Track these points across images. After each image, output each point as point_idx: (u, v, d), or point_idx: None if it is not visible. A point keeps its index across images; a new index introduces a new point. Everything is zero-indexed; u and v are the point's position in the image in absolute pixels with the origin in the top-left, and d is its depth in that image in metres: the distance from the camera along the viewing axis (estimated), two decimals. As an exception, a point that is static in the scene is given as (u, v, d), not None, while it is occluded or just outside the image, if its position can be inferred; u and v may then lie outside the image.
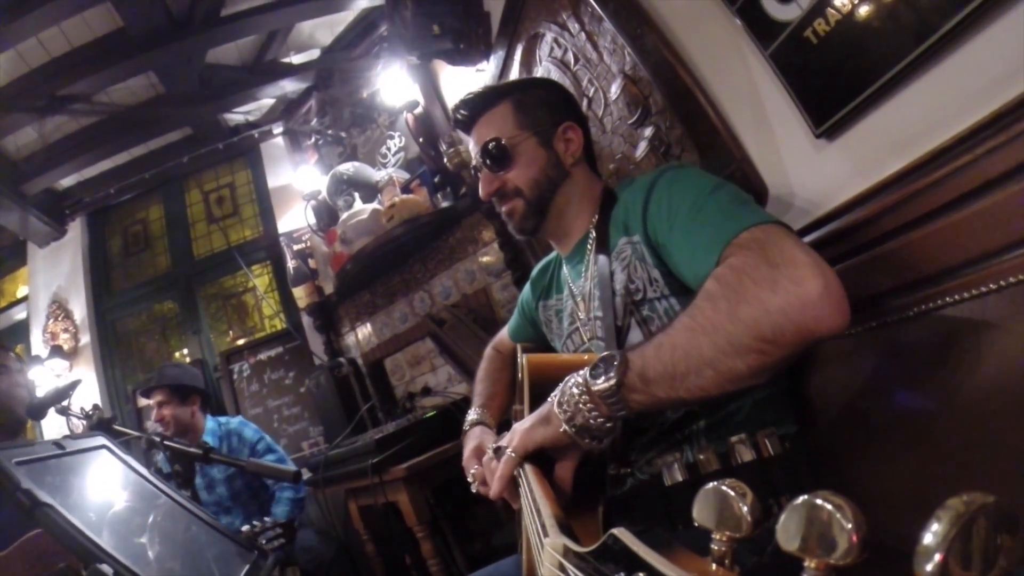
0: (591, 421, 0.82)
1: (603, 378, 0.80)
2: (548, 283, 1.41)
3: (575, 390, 0.83)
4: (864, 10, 0.93)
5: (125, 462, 1.24)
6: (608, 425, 0.82)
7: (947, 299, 0.87)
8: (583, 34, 1.78)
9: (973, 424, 0.86)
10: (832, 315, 0.74)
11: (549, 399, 0.89)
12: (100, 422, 1.58)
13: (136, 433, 1.58)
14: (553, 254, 1.42)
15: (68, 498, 1.00)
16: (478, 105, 1.30)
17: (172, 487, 1.29)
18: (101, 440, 1.26)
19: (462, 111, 1.31)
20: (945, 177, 0.85)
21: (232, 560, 1.17)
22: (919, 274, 0.92)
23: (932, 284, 0.90)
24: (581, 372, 0.85)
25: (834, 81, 1.02)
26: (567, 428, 0.83)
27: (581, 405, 0.82)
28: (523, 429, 0.91)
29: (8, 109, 3.47)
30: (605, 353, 0.84)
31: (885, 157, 0.97)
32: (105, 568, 0.88)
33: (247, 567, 1.18)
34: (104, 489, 1.14)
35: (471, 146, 1.32)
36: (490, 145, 1.24)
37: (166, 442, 1.50)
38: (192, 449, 1.48)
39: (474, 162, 1.30)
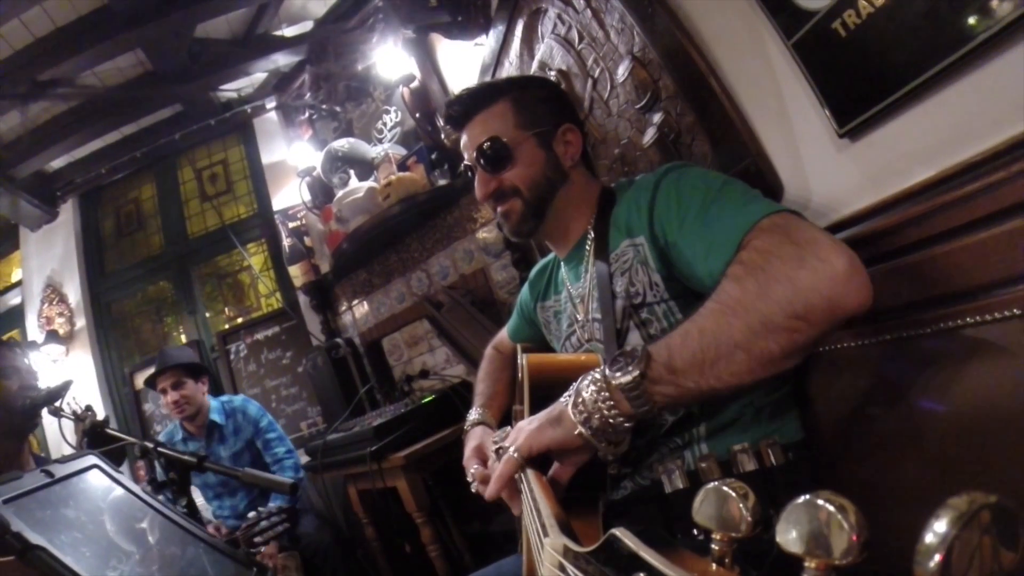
0: (610, 421, 0.76)
1: (624, 371, 0.75)
2: (546, 284, 1.39)
3: (592, 387, 0.78)
4: (900, 4, 0.86)
5: (118, 481, 1.20)
6: (627, 425, 0.77)
7: (967, 319, 0.83)
8: (588, 11, 1.70)
9: (983, 445, 0.84)
10: (859, 291, 0.74)
11: (562, 399, 0.83)
12: (93, 426, 1.55)
13: (130, 439, 1.54)
14: (551, 255, 1.40)
15: (60, 534, 0.96)
16: (474, 102, 1.25)
17: (167, 502, 1.26)
18: (92, 460, 1.22)
19: (456, 107, 1.27)
20: (976, 193, 0.80)
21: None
22: (940, 291, 0.88)
23: (953, 303, 0.86)
24: (598, 369, 0.80)
25: (862, 78, 0.96)
26: (583, 430, 0.78)
27: (600, 403, 0.77)
28: (530, 429, 0.85)
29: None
30: (626, 348, 0.80)
31: (912, 165, 0.92)
32: None
33: (249, 587, 1.16)
34: (98, 516, 1.10)
35: (463, 144, 1.28)
36: (488, 144, 1.20)
37: (159, 449, 1.47)
38: (186, 458, 1.45)
39: (467, 161, 1.26)
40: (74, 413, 1.58)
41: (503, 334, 1.64)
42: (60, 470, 1.13)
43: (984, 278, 0.81)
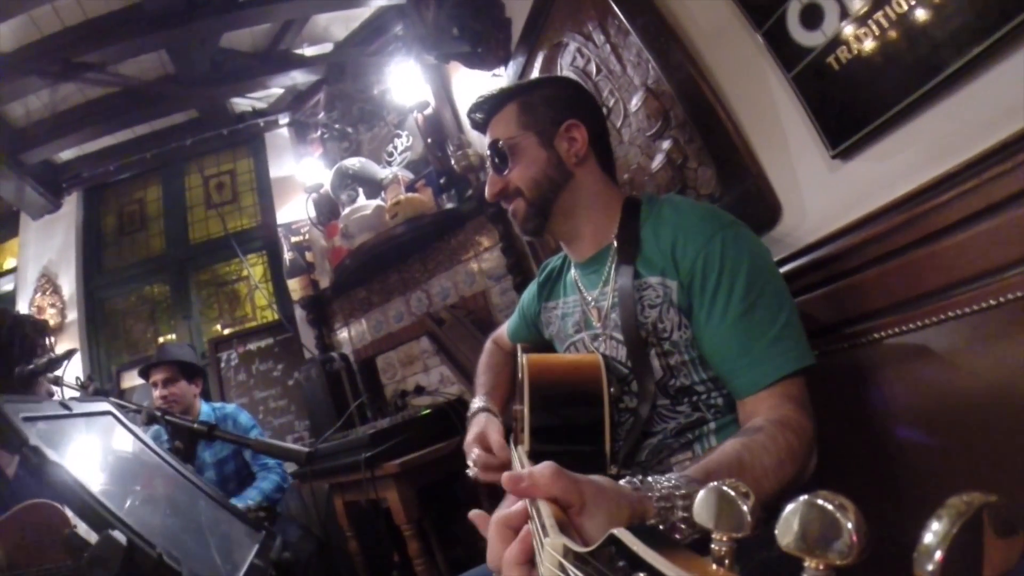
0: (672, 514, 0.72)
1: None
2: (553, 285, 1.40)
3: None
4: (884, 42, 0.99)
5: (131, 430, 1.22)
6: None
7: (950, 313, 0.94)
8: (608, 46, 1.82)
9: (976, 424, 0.93)
10: None
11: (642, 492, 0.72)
12: (95, 393, 1.53)
13: (135, 406, 1.52)
14: (561, 255, 1.41)
15: (75, 460, 0.98)
16: (489, 107, 1.30)
17: (177, 460, 1.28)
18: (106, 406, 1.24)
19: (477, 114, 1.33)
20: (952, 200, 0.91)
21: (242, 540, 1.16)
22: (922, 290, 0.98)
23: (935, 299, 0.96)
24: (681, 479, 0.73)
25: (852, 105, 1.08)
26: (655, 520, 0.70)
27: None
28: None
29: (20, 73, 3.40)
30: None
31: (896, 180, 1.02)
32: (118, 535, 0.85)
33: (256, 547, 1.17)
34: (110, 456, 1.12)
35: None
36: (494, 147, 1.25)
37: (168, 417, 1.48)
38: (196, 426, 1.46)
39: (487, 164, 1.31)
40: (77, 379, 1.58)
41: (502, 331, 1.65)
42: (77, 407, 1.14)
43: (962, 274, 0.91)
